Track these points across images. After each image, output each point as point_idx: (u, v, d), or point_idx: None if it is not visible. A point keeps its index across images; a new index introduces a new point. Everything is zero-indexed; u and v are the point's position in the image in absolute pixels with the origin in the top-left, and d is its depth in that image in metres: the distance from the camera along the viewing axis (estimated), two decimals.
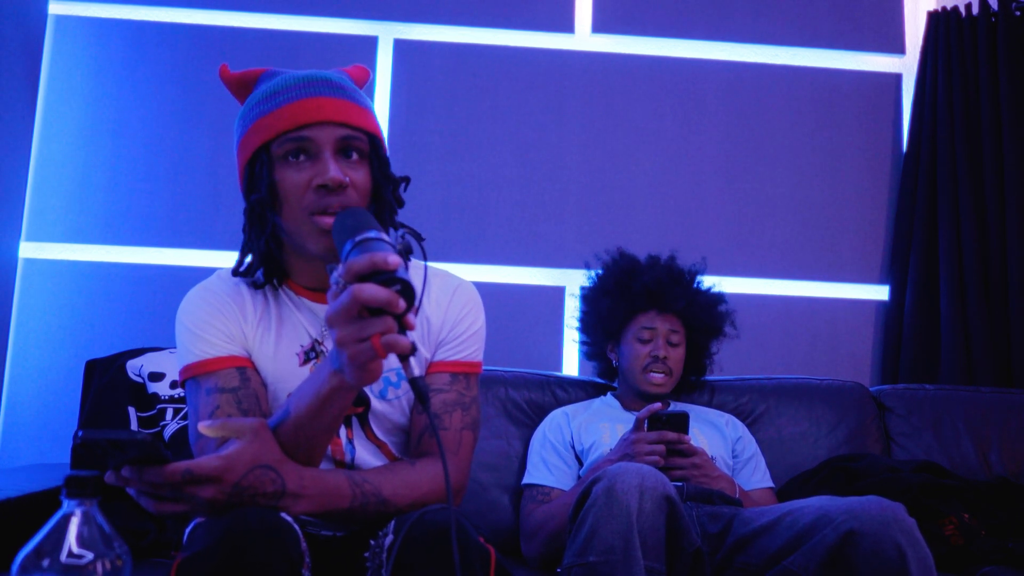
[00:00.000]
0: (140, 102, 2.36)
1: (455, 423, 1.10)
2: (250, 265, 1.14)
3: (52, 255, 2.30)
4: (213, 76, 2.39)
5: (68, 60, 2.37)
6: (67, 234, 2.31)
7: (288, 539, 0.88)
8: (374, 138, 1.10)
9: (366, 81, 1.23)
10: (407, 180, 1.15)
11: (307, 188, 1.03)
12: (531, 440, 1.82)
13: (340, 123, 1.04)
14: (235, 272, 1.14)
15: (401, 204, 1.15)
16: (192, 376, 1.09)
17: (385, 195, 1.10)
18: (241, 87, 1.15)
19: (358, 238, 0.84)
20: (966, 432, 2.05)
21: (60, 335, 2.26)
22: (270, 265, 1.12)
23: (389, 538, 0.93)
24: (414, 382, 0.81)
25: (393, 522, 0.96)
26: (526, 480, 1.72)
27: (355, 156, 1.07)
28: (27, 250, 2.30)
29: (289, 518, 0.92)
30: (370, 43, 2.45)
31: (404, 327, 0.81)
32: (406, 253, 0.85)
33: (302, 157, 1.04)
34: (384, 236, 0.85)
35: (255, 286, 1.14)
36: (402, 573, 0.89)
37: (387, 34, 2.46)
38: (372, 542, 0.97)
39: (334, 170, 1.01)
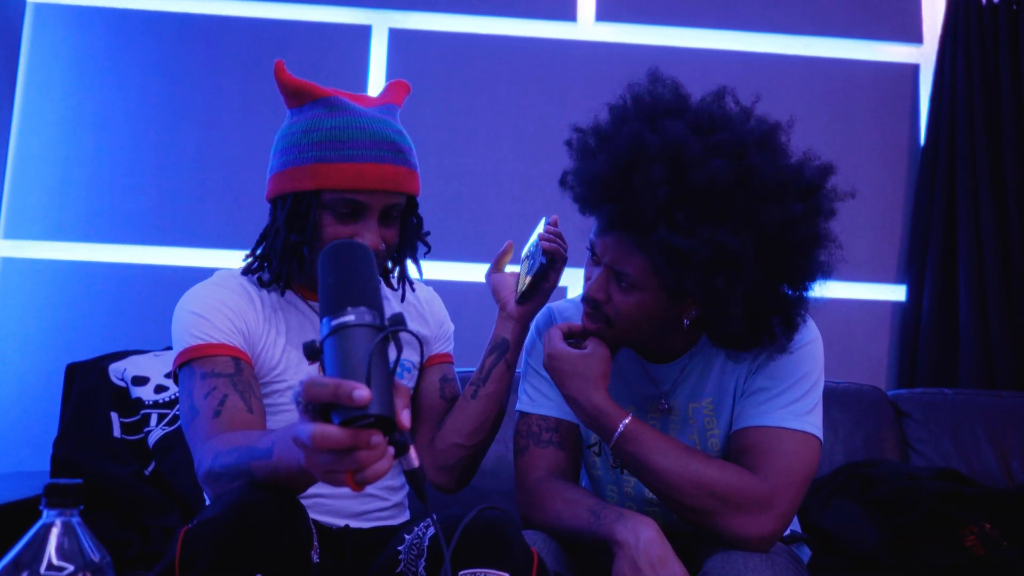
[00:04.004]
0: (123, 94, 2.36)
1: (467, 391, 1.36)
2: (258, 268, 1.25)
3: (31, 254, 2.30)
4: (200, 67, 2.41)
5: (48, 50, 2.36)
6: (47, 232, 2.30)
7: (298, 515, 0.92)
8: (413, 199, 1.25)
9: (407, 94, 1.33)
10: (427, 234, 1.32)
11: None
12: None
13: (393, 191, 1.17)
14: (245, 272, 1.25)
15: (428, 249, 1.34)
16: (188, 361, 1.14)
17: (406, 249, 1.29)
18: (294, 95, 1.20)
19: (336, 322, 0.72)
20: (986, 438, 2.05)
21: (39, 337, 2.26)
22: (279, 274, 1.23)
23: (431, 531, 1.04)
24: (412, 475, 0.75)
25: (434, 515, 1.01)
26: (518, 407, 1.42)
27: (393, 215, 1.20)
28: (5, 248, 2.29)
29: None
30: (364, 32, 2.44)
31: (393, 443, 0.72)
32: (395, 336, 0.73)
33: (348, 212, 1.16)
34: (368, 315, 0.73)
35: (261, 283, 1.25)
36: (458, 563, 0.96)
37: (381, 23, 2.45)
38: (407, 536, 1.07)
39: (374, 238, 1.16)
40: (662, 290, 1.10)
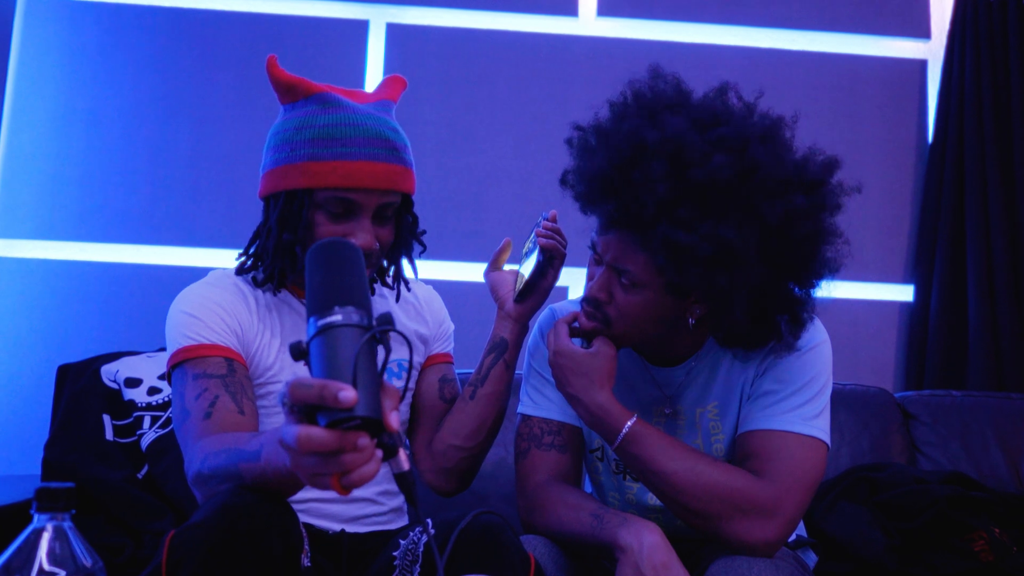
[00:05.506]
0: (116, 90, 2.36)
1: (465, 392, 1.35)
2: (252, 267, 1.25)
3: (22, 253, 2.29)
4: (194, 63, 2.41)
5: (39, 45, 2.36)
6: (38, 231, 2.30)
7: (287, 519, 0.92)
8: (408, 197, 1.25)
9: (404, 89, 1.32)
10: (423, 235, 1.32)
11: None
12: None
13: (387, 190, 1.17)
14: (238, 272, 1.25)
15: (423, 248, 1.34)
16: (181, 362, 1.14)
17: (402, 247, 1.28)
18: (287, 91, 1.20)
19: (322, 322, 0.72)
20: (996, 441, 2.05)
21: (31, 338, 2.26)
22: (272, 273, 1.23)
23: (424, 537, 1.04)
24: (402, 478, 0.74)
25: (429, 520, 1.01)
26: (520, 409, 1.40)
27: (388, 214, 1.20)
28: None
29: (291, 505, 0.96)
30: (361, 27, 2.44)
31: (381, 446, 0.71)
32: (383, 336, 0.73)
33: (341, 211, 1.16)
34: (355, 315, 0.72)
35: (255, 283, 1.25)
36: (453, 568, 0.95)
37: (379, 18, 2.45)
38: (402, 541, 1.07)
39: (368, 238, 1.15)
40: (665, 288, 1.10)
